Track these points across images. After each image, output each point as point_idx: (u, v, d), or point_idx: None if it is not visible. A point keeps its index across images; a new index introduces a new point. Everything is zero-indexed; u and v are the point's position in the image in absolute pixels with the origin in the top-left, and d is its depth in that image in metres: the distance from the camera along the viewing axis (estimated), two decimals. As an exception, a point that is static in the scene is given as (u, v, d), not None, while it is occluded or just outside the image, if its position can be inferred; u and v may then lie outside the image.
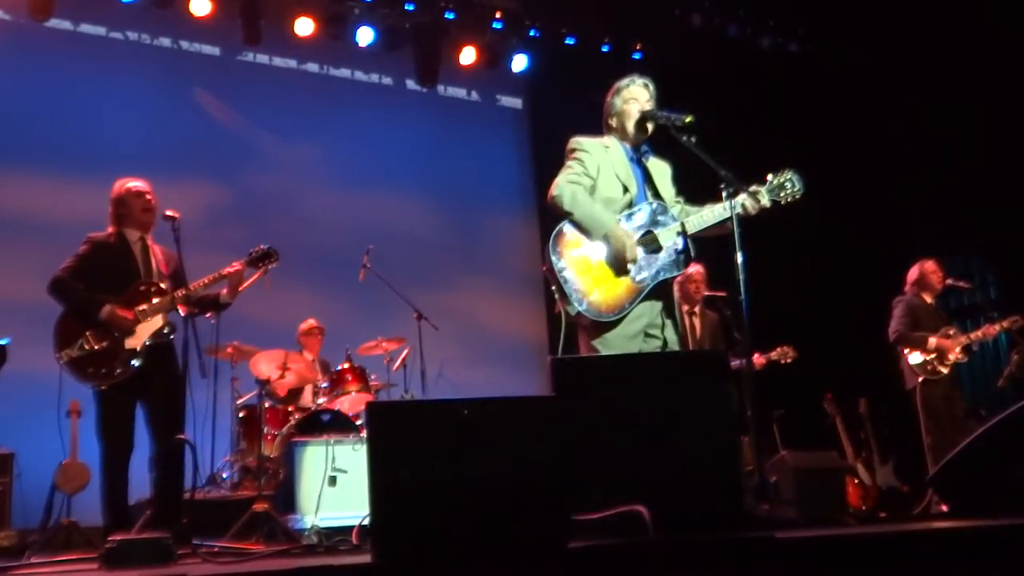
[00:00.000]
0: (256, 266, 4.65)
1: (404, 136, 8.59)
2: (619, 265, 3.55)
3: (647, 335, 3.61)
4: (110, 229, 4.52)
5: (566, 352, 3.72)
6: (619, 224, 3.59)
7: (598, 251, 3.58)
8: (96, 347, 4.23)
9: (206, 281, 4.48)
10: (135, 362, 4.27)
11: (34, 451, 5.87)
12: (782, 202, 3.69)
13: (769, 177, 3.70)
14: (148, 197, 4.52)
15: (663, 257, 3.61)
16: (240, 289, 4.61)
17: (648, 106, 3.78)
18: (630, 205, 3.68)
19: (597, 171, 3.71)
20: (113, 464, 4.25)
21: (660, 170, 3.85)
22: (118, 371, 4.24)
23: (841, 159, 7.93)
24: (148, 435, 4.30)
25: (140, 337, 4.30)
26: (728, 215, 3.55)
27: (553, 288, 3.58)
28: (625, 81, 3.83)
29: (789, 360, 6.40)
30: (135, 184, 4.57)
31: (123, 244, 4.47)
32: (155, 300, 4.37)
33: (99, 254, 4.41)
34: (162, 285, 4.43)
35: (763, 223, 3.75)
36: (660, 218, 3.65)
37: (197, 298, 4.49)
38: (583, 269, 3.55)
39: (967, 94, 7.70)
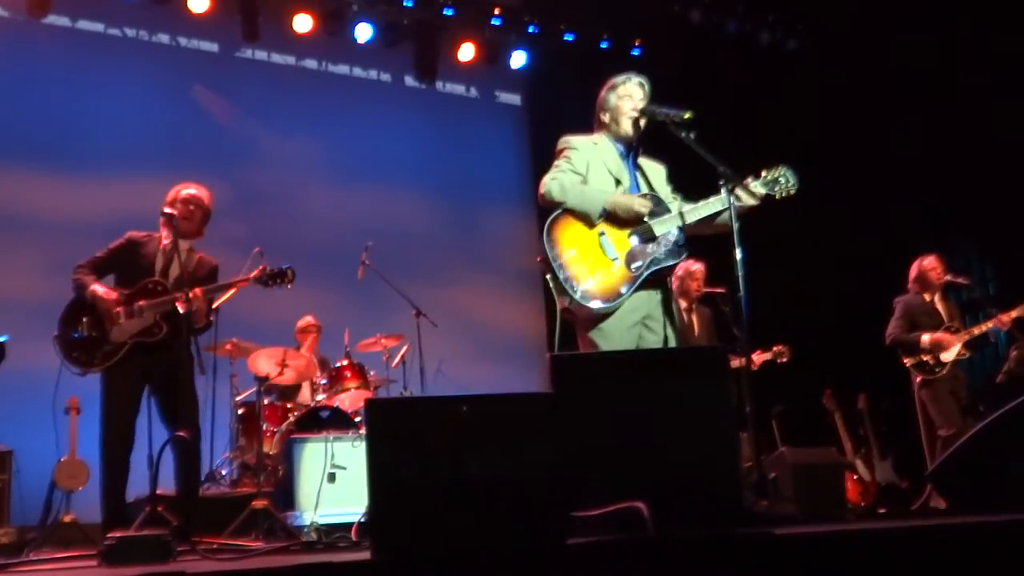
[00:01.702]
0: (267, 284, 4.41)
1: (403, 132, 8.58)
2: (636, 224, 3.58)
3: (645, 327, 3.60)
4: (161, 223, 4.52)
5: (563, 348, 3.72)
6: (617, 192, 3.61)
7: (593, 239, 3.57)
8: (86, 334, 4.32)
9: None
10: (117, 354, 4.28)
11: (33, 448, 5.86)
12: (776, 196, 3.68)
13: (763, 172, 3.70)
14: (178, 214, 4.39)
15: (658, 246, 3.61)
16: (214, 306, 4.49)
17: (642, 104, 3.76)
18: None
19: (586, 167, 3.71)
20: (108, 449, 4.28)
21: (654, 171, 3.85)
22: (97, 361, 4.29)
23: (841, 156, 7.92)
24: (163, 426, 4.30)
25: (127, 332, 4.32)
26: (724, 207, 3.55)
27: (548, 277, 3.57)
28: (621, 78, 3.81)
29: (785, 360, 6.40)
30: (187, 193, 4.51)
31: (152, 244, 4.51)
32: (156, 299, 4.36)
33: (128, 250, 4.51)
34: (168, 286, 4.41)
35: (762, 218, 3.74)
36: (654, 208, 3.64)
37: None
38: (577, 258, 3.54)
39: (967, 91, 7.70)
